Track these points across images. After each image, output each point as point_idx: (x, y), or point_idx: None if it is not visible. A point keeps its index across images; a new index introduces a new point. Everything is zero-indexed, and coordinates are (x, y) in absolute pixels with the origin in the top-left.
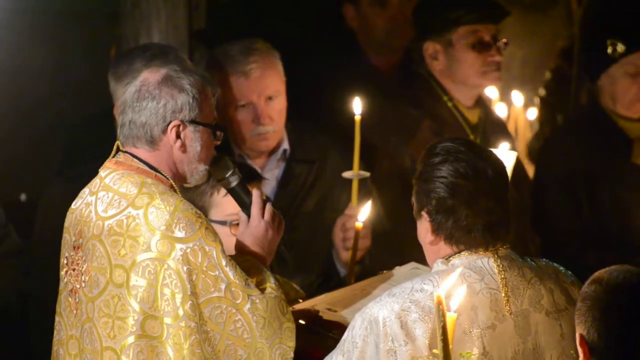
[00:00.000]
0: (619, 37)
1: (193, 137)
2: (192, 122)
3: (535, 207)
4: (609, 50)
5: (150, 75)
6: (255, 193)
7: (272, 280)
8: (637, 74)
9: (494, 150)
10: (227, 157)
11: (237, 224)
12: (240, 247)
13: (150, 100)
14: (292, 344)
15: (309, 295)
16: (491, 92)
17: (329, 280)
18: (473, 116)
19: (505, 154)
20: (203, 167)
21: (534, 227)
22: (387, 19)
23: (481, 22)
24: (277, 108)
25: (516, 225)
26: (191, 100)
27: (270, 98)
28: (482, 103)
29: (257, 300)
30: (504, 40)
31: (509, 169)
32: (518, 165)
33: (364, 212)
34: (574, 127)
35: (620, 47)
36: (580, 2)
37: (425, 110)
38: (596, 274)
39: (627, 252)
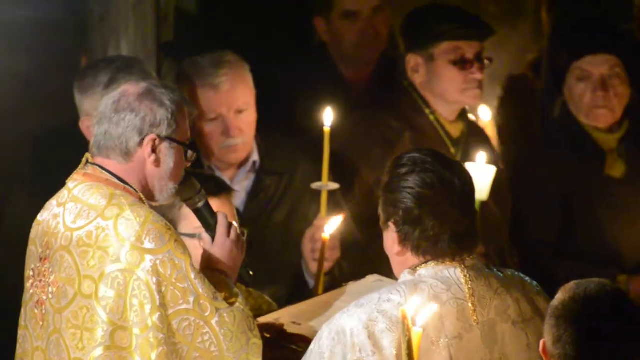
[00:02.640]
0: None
1: (167, 154)
2: (169, 138)
3: (513, 219)
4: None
5: (130, 88)
6: (220, 214)
7: (240, 296)
8: (585, 77)
9: (474, 165)
10: (193, 177)
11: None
12: (206, 264)
13: (129, 112)
14: None
15: (281, 307)
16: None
17: (300, 292)
18: (455, 130)
19: (485, 169)
20: (172, 185)
21: (512, 239)
22: (357, 33)
23: (466, 39)
24: (246, 120)
25: (495, 238)
26: (170, 116)
27: (240, 111)
28: (465, 117)
29: (225, 314)
30: (488, 58)
31: (488, 184)
32: (498, 178)
33: (330, 225)
34: (548, 140)
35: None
36: (550, 14)
37: (407, 122)
38: (567, 285)
39: (599, 263)
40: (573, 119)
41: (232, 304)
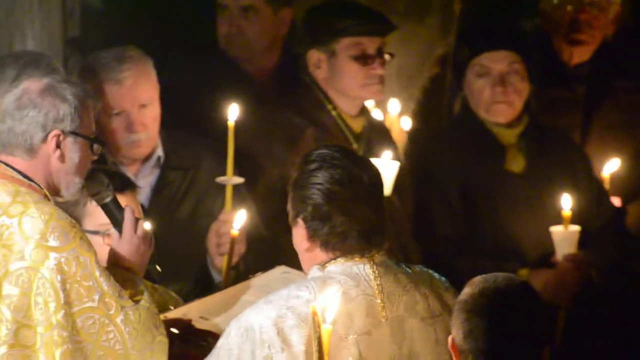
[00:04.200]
0: (478, 42)
1: (72, 148)
2: (73, 133)
3: (415, 215)
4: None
5: (32, 84)
6: (127, 209)
7: (145, 293)
8: (485, 73)
9: (377, 160)
10: (101, 172)
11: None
12: (113, 260)
13: (31, 109)
14: (164, 358)
15: (186, 303)
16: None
17: (206, 287)
18: (357, 125)
19: (388, 164)
20: (79, 180)
21: (415, 235)
22: (225, 28)
23: (368, 35)
24: (150, 115)
25: (398, 234)
26: (73, 111)
27: (143, 106)
28: (366, 112)
29: (130, 312)
30: (389, 53)
31: (392, 179)
32: (401, 174)
33: (239, 220)
34: (448, 135)
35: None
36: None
37: (309, 118)
38: (474, 279)
39: (500, 259)
40: (473, 114)
41: (137, 302)
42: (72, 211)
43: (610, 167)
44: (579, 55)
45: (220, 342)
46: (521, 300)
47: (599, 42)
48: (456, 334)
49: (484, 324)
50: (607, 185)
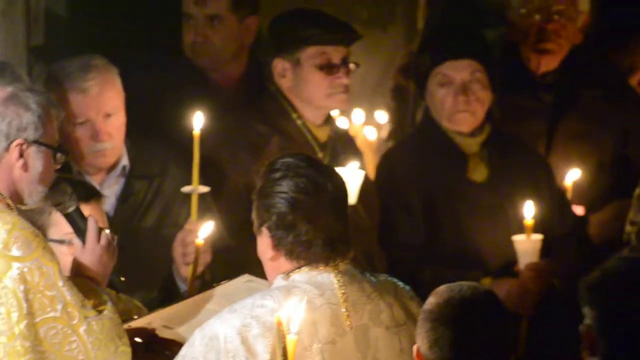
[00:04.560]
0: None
1: (35, 157)
2: (36, 142)
3: (380, 223)
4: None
5: None
6: (90, 219)
7: (109, 303)
8: (447, 83)
9: (342, 169)
10: (65, 182)
11: None
12: (76, 270)
13: None
14: None
15: (151, 311)
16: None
17: (170, 296)
18: (322, 134)
19: (353, 173)
20: (42, 188)
21: (380, 244)
22: (191, 37)
23: (333, 44)
24: (115, 124)
25: (364, 242)
26: (36, 120)
27: (108, 115)
28: (331, 121)
29: (94, 322)
30: (355, 62)
31: (356, 188)
32: (366, 183)
33: (205, 230)
34: (411, 144)
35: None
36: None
37: (274, 127)
38: (438, 289)
39: (463, 268)
40: (435, 123)
41: (100, 312)
42: (37, 220)
43: (572, 176)
44: (547, 64)
45: (183, 351)
46: (486, 309)
47: (566, 51)
48: (421, 343)
49: (450, 334)
50: (569, 194)
